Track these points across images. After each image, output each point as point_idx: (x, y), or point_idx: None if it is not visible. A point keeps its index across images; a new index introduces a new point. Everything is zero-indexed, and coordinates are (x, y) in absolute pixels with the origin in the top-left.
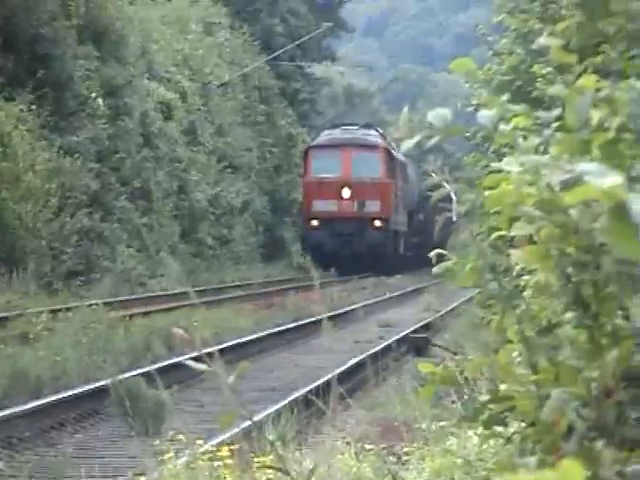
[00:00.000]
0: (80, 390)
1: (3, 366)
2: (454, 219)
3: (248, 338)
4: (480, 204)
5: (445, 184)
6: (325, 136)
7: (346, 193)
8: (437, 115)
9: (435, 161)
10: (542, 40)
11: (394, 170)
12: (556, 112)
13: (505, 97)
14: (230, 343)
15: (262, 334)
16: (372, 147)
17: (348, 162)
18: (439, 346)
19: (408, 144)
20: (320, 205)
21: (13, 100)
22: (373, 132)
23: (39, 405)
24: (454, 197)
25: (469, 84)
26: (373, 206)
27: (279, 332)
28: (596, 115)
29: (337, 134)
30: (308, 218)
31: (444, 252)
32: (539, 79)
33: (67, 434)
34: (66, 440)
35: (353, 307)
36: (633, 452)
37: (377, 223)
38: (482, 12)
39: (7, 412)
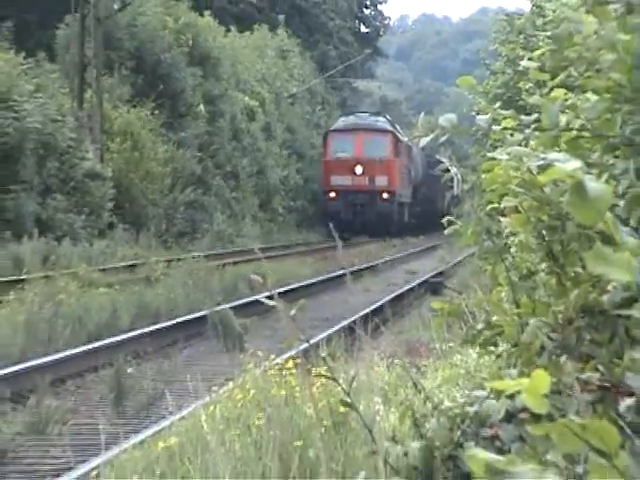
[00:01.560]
0: (187, 318)
1: (132, 300)
2: (456, 194)
3: (307, 282)
4: (479, 183)
5: (451, 168)
6: (341, 122)
7: (359, 170)
8: (446, 119)
9: (445, 152)
10: (524, 63)
11: (399, 151)
12: (534, 116)
13: (497, 105)
14: (294, 285)
15: (318, 279)
16: (380, 131)
17: (360, 143)
18: (449, 288)
19: (426, 139)
20: (337, 180)
21: (141, 107)
22: (382, 119)
23: (158, 328)
24: (457, 177)
25: (472, 95)
26: (381, 181)
27: (331, 278)
28: (563, 118)
29: (351, 120)
30: (327, 191)
31: (453, 219)
32: (523, 92)
33: (178, 349)
34: (177, 354)
35: (385, 259)
36: (587, 364)
37: (385, 195)
38: (482, 42)
39: (135, 333)
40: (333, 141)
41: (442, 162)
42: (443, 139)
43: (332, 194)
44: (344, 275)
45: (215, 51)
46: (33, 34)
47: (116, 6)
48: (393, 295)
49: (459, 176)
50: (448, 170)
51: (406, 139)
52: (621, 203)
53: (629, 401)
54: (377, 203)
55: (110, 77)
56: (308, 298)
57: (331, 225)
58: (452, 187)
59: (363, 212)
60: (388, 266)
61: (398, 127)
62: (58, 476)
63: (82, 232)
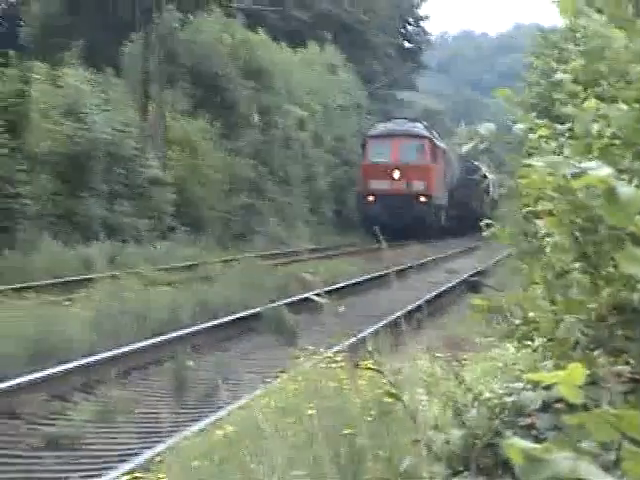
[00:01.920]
0: (243, 314)
1: (192, 297)
2: (495, 198)
3: (355, 280)
4: (516, 188)
5: (488, 174)
6: (379, 128)
7: (396, 174)
8: (486, 127)
9: (484, 159)
10: (559, 76)
11: (436, 156)
12: (568, 125)
13: (533, 115)
14: (342, 284)
15: (365, 277)
16: (417, 137)
17: (397, 149)
18: (488, 286)
19: (467, 147)
20: (375, 184)
21: (199, 118)
22: (419, 125)
23: (216, 324)
24: (493, 183)
25: (508, 106)
26: (418, 185)
27: (378, 276)
28: (595, 127)
29: (389, 126)
30: (366, 194)
31: (491, 222)
32: (557, 102)
33: (234, 344)
34: (233, 347)
35: (428, 259)
36: (619, 358)
37: (422, 199)
38: (518, 56)
39: (195, 328)
40: (371, 146)
41: (478, 167)
42: (482, 146)
43: (370, 198)
44: (388, 274)
45: (268, 65)
46: (102, 51)
47: (177, 24)
48: (435, 293)
49: (496, 181)
50: (485, 175)
51: (442, 144)
52: None
53: None
54: (414, 207)
55: (171, 90)
56: (355, 296)
57: (376, 228)
58: (489, 192)
59: (400, 215)
60: (430, 265)
61: (435, 133)
62: (125, 461)
63: (146, 235)
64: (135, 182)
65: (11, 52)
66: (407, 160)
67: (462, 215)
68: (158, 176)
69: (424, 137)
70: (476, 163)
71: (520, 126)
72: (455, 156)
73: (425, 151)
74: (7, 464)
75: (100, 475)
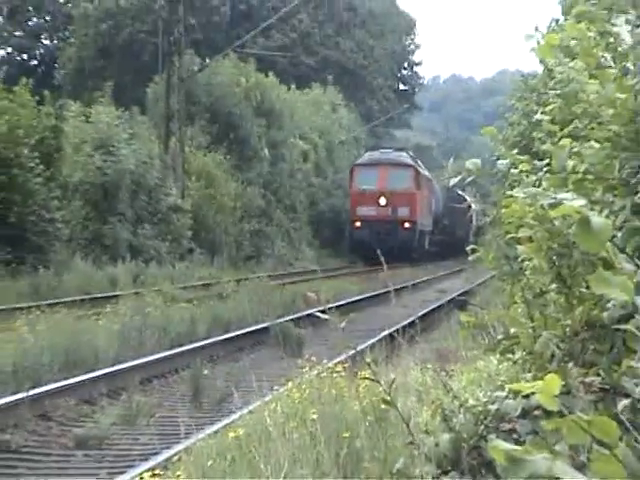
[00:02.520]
0: (253, 328)
1: (207, 313)
2: (479, 226)
3: (355, 298)
4: (499, 217)
5: (472, 203)
6: (367, 157)
7: (383, 201)
8: (472, 163)
9: (471, 191)
10: (538, 116)
11: (420, 183)
12: (546, 161)
13: (515, 151)
14: (343, 302)
15: (364, 296)
16: (403, 165)
17: (384, 176)
18: (473, 304)
19: (454, 180)
20: (363, 210)
21: (215, 152)
22: (404, 154)
23: (229, 337)
24: (476, 211)
25: (493, 142)
26: (403, 211)
27: (375, 295)
28: (570, 163)
29: (376, 155)
30: (353, 220)
31: (475, 247)
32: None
33: (245, 355)
34: (244, 358)
35: (419, 280)
36: (590, 370)
37: (406, 225)
38: (501, 98)
39: (210, 341)
40: (359, 174)
41: (464, 197)
42: (469, 180)
43: (358, 223)
44: (384, 293)
45: (278, 105)
46: (129, 92)
47: (196, 68)
48: (426, 310)
49: (479, 211)
50: (470, 205)
51: (427, 173)
52: (619, 234)
53: (625, 401)
54: (399, 232)
55: (190, 127)
56: (355, 312)
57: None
58: (472, 220)
59: (386, 240)
60: (422, 286)
61: (419, 162)
62: (146, 460)
63: (166, 256)
64: (157, 209)
65: (46, 92)
66: (393, 187)
67: (448, 241)
68: (178, 203)
69: (409, 165)
70: (461, 193)
71: (503, 162)
72: (440, 186)
73: (410, 179)
74: (40, 462)
75: (124, 472)
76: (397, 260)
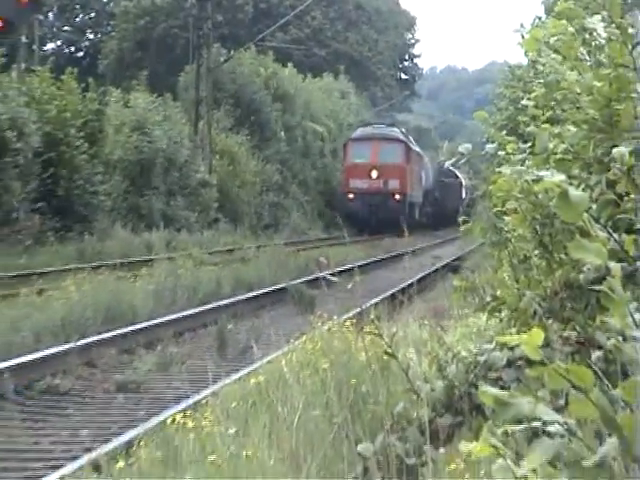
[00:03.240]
0: (272, 288)
1: (231, 275)
2: (467, 198)
3: (362, 262)
4: (488, 191)
5: (462, 180)
6: (360, 131)
7: (374, 174)
8: (464, 147)
9: (464, 169)
10: (524, 102)
11: (410, 158)
12: (530, 142)
13: (503, 133)
14: (350, 265)
15: (369, 260)
16: (393, 140)
17: (376, 151)
18: (465, 268)
19: (450, 161)
20: (356, 183)
21: (238, 133)
22: (395, 129)
23: (250, 296)
24: (466, 186)
25: (484, 126)
26: (394, 184)
27: (379, 259)
28: (551, 144)
29: (368, 130)
30: (347, 192)
31: (467, 218)
32: (521, 124)
33: (265, 312)
34: (264, 315)
35: (417, 247)
36: (567, 325)
37: (397, 197)
38: (491, 87)
39: (233, 299)
40: (352, 148)
41: (454, 173)
42: (462, 161)
43: (351, 195)
44: (386, 258)
45: (293, 91)
46: (162, 80)
47: (222, 59)
48: (423, 274)
49: (468, 184)
50: (460, 180)
51: (417, 149)
52: (594, 206)
53: (599, 353)
54: (390, 203)
55: (217, 111)
56: (362, 274)
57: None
58: (462, 193)
59: (377, 211)
60: (419, 252)
61: (410, 138)
62: (178, 402)
63: (195, 225)
64: (187, 183)
65: (90, 80)
66: (384, 161)
67: (439, 212)
68: (205, 178)
69: (400, 141)
70: (452, 169)
71: (492, 145)
72: (431, 161)
73: (400, 153)
74: (86, 404)
75: (159, 413)
76: (389, 229)
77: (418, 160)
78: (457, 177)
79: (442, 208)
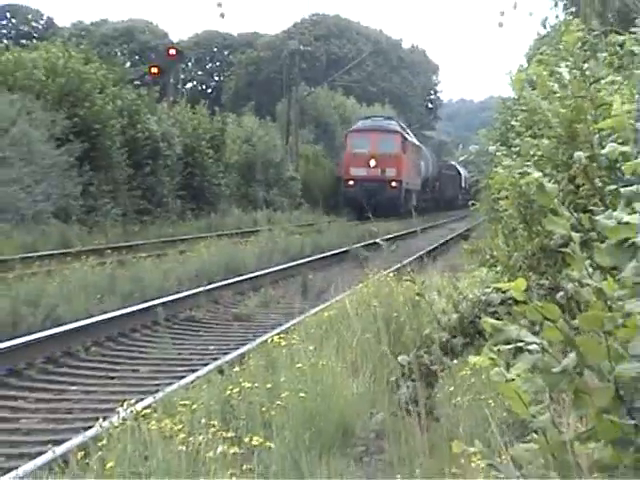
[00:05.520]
0: (338, 250)
1: (311, 242)
2: (466, 187)
3: (398, 233)
4: (488, 183)
5: (461, 171)
6: (360, 124)
7: (372, 163)
8: (473, 147)
9: (473, 167)
10: (512, 123)
11: (406, 148)
12: (517, 149)
13: (498, 144)
14: (393, 235)
15: (404, 232)
16: (391, 131)
17: (374, 141)
18: (472, 237)
19: (461, 158)
20: (355, 171)
21: (316, 144)
22: (393, 122)
23: (324, 255)
24: (466, 178)
25: (484, 139)
26: (390, 172)
27: (409, 232)
28: (532, 151)
29: (368, 123)
30: (347, 180)
31: (475, 202)
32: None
33: (334, 267)
34: (333, 269)
35: (438, 223)
36: (542, 276)
37: (393, 184)
38: (490, 112)
39: (312, 258)
40: (352, 139)
41: (454, 165)
42: (470, 158)
43: (351, 182)
44: (414, 231)
45: (353, 116)
46: (265, 107)
47: (305, 93)
48: (442, 241)
49: (467, 176)
50: (459, 172)
51: (416, 141)
52: (561, 194)
53: (561, 293)
54: (386, 190)
55: (302, 129)
56: (400, 241)
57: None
58: (461, 183)
59: (375, 197)
60: (439, 226)
61: (408, 130)
62: (275, 328)
63: (286, 207)
64: (280, 178)
65: (216, 108)
66: (382, 151)
67: (440, 198)
68: (293, 175)
69: (396, 132)
70: (453, 163)
71: (491, 149)
72: (430, 153)
73: (397, 144)
74: (212, 328)
75: (262, 335)
76: (386, 214)
77: (416, 151)
78: (458, 171)
79: (442, 194)
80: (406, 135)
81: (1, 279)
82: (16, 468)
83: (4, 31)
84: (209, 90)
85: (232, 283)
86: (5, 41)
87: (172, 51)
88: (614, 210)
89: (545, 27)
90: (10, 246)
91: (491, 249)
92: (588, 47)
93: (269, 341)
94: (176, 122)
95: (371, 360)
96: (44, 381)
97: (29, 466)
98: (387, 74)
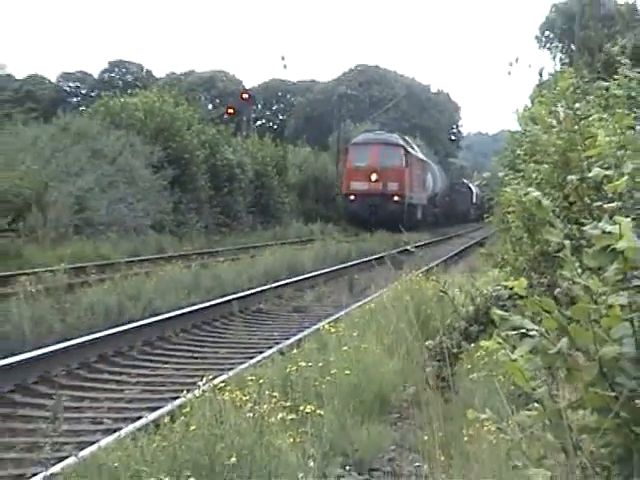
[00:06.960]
0: (377, 255)
1: (356, 248)
2: (477, 203)
3: (428, 241)
4: (499, 200)
5: (472, 188)
6: (361, 137)
7: (374, 177)
8: (487, 174)
9: (487, 188)
10: (518, 151)
11: (409, 162)
12: (522, 173)
13: (507, 168)
14: (422, 243)
15: (433, 240)
16: (392, 145)
17: (375, 155)
18: (487, 243)
19: (477, 181)
20: (356, 185)
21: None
22: (395, 135)
23: (366, 259)
24: (476, 194)
25: (497, 165)
26: (393, 186)
27: (440, 239)
28: (533, 174)
29: (369, 136)
30: (348, 194)
31: (489, 216)
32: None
33: (374, 268)
34: (374, 270)
35: (460, 232)
36: (542, 275)
37: (396, 198)
38: (501, 143)
39: (357, 261)
40: (353, 153)
41: (466, 183)
42: (484, 182)
43: (352, 197)
44: (439, 240)
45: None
46: (316, 140)
47: (351, 128)
48: (463, 247)
49: (478, 193)
50: (470, 189)
51: (421, 156)
52: (557, 210)
53: (558, 289)
54: (389, 204)
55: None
56: (428, 248)
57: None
58: (472, 199)
59: (377, 211)
60: (459, 236)
61: (412, 144)
62: (327, 318)
63: (335, 219)
64: (330, 195)
65: (279, 140)
66: (383, 164)
67: (451, 212)
68: (338, 192)
69: (398, 145)
70: (466, 182)
71: (500, 174)
72: (439, 169)
73: (399, 157)
74: (277, 318)
75: (316, 324)
76: (389, 229)
77: (420, 165)
78: (469, 188)
79: (454, 209)
80: (409, 149)
81: (110, 278)
82: (120, 429)
83: (113, 82)
84: (274, 126)
85: (293, 282)
86: (114, 90)
87: (245, 95)
88: (599, 222)
89: (541, 76)
90: (117, 252)
91: (502, 253)
92: (580, 91)
93: (321, 328)
94: (248, 152)
95: (404, 344)
96: (143, 360)
97: (129, 428)
98: (418, 113)
